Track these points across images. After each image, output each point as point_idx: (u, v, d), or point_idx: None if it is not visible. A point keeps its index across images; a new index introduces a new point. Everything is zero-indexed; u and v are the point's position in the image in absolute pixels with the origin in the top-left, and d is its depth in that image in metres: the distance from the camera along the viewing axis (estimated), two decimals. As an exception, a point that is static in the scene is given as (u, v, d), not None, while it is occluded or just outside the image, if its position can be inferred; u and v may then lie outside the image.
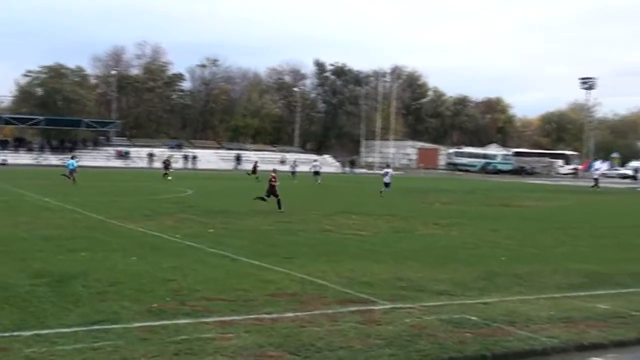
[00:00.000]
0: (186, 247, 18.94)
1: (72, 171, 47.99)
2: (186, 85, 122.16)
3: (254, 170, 62.13)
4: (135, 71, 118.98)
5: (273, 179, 31.68)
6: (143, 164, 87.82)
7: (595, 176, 69.27)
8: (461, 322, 11.42)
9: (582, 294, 14.32)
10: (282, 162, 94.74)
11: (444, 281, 15.06)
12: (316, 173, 60.85)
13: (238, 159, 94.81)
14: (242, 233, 22.37)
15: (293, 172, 65.42)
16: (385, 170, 46.82)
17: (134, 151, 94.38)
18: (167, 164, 62.42)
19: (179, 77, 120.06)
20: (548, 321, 11.79)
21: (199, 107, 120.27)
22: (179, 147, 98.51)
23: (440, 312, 12.08)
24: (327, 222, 26.48)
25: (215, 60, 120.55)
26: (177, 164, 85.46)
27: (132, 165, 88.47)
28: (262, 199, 31.49)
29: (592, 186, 65.15)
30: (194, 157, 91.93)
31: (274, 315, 11.44)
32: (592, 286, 15.23)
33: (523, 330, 11.16)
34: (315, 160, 70.37)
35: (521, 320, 11.71)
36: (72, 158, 52.18)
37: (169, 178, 55.59)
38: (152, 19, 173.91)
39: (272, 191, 31.46)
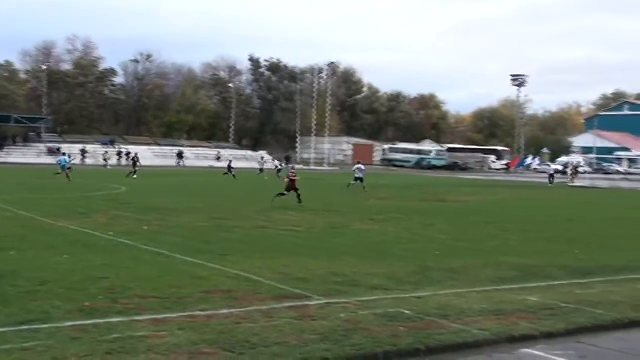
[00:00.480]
0: (119, 244, 18.67)
1: (64, 168, 48.90)
2: (119, 80, 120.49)
3: (229, 169, 62.35)
4: (66, 66, 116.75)
5: (292, 175, 33.57)
6: (75, 160, 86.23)
7: (551, 172, 69.83)
8: (395, 316, 11.52)
9: (513, 286, 14.59)
10: (218, 158, 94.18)
11: (379, 276, 15.17)
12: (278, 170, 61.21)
13: (180, 155, 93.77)
14: (177, 230, 22.16)
15: (261, 170, 65.80)
16: (357, 166, 49.02)
17: (65, 147, 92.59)
18: (135, 161, 61.05)
19: (111, 72, 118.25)
20: (480, 314, 11.98)
21: (133, 102, 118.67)
22: (112, 143, 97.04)
23: (375, 307, 12.16)
24: (263, 219, 26.41)
25: (149, 56, 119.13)
26: (112, 160, 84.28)
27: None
28: (282, 194, 32.86)
29: (550, 182, 65.77)
30: (128, 154, 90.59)
31: (209, 312, 11.37)
32: (522, 279, 15.54)
33: (456, 323, 11.31)
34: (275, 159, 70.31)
35: (454, 314, 11.87)
36: (64, 155, 53.13)
37: (134, 177, 53.86)
38: (83, 13, 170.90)
39: (292, 186, 33.03)
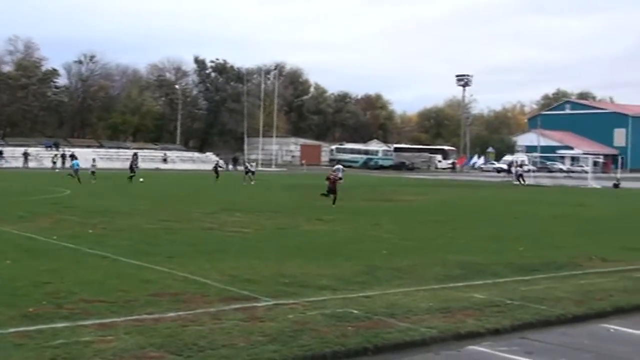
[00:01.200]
0: (64, 248, 18.39)
1: (77, 171, 50.83)
2: (62, 82, 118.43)
3: (216, 171, 62.22)
4: (7, 68, 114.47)
5: (333, 176, 36.02)
6: (18, 163, 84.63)
7: (520, 172, 70.24)
8: (343, 316, 11.57)
9: (460, 284, 14.77)
10: (165, 160, 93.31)
11: (327, 276, 15.21)
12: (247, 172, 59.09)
13: (135, 157, 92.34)
14: (122, 233, 21.91)
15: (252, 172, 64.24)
16: (337, 166, 52.51)
17: (8, 151, 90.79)
18: (132, 162, 59.54)
19: (54, 73, 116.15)
20: (427, 312, 12.10)
21: (77, 104, 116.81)
22: (56, 146, 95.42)
23: (323, 307, 12.19)
24: (210, 220, 26.29)
25: (93, 57, 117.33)
26: (57, 163, 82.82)
27: (6, 165, 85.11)
28: (325, 195, 34.88)
29: (521, 183, 66.19)
30: (72, 156, 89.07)
31: (156, 316, 11.27)
32: (469, 277, 15.73)
33: (403, 321, 11.40)
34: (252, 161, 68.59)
35: (401, 312, 11.97)
36: (75, 158, 56.09)
37: (141, 180, 52.44)
38: (24, 13, 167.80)
39: (333, 188, 34.90)
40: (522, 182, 66.53)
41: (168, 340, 9.87)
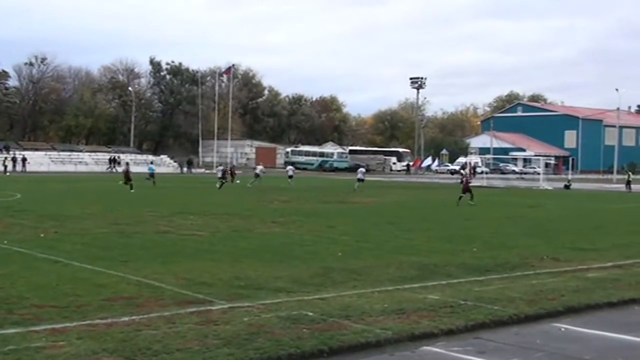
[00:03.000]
0: (15, 253, 18.09)
1: (152, 174, 54.57)
2: (13, 83, 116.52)
3: (232, 174, 61.49)
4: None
5: (465, 176, 42.59)
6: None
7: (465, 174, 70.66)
8: (299, 319, 11.57)
9: (414, 285, 14.86)
10: (119, 163, 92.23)
11: (283, 278, 15.20)
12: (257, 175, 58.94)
13: (113, 161, 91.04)
14: (75, 237, 21.63)
15: (183, 167, 63.27)
16: (360, 169, 57.83)
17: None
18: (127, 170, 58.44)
19: (4, 74, 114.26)
20: (382, 313, 12.15)
21: (28, 107, 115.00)
22: (7, 149, 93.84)
23: (278, 310, 12.18)
24: (164, 224, 26.08)
25: (44, 59, 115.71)
26: (8, 166, 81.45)
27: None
28: (470, 197, 39.42)
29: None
30: (24, 159, 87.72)
31: (109, 320, 11.14)
32: (423, 278, 15.84)
33: (358, 323, 11.44)
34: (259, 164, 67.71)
35: (356, 314, 12.01)
36: (152, 163, 63.37)
37: (153, 182, 52.28)
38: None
39: (466, 187, 40.36)
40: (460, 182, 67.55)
41: (121, 345, 9.77)
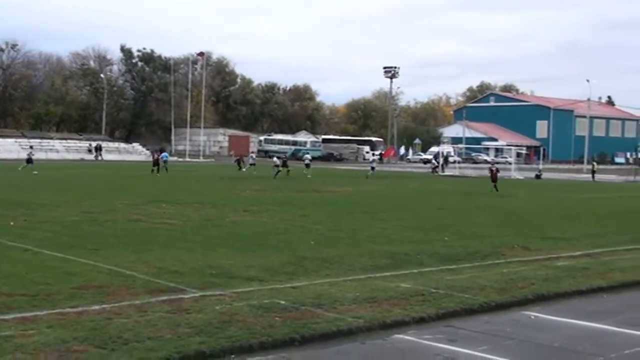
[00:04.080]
0: (-16, 241, 17.90)
1: (165, 162, 57.60)
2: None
3: (240, 161, 62.43)
4: None
5: (493, 169, 46.42)
6: None
7: (435, 164, 71.23)
8: (271, 307, 11.59)
9: (387, 274, 14.94)
10: (90, 151, 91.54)
11: (255, 267, 15.22)
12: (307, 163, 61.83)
13: (98, 149, 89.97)
14: (45, 225, 21.45)
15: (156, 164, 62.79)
16: (372, 157, 64.15)
17: None
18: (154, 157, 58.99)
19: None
20: (354, 302, 12.20)
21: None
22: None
23: (250, 298, 12.19)
24: (136, 212, 25.95)
25: (14, 45, 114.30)
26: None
27: None
28: (494, 188, 42.68)
29: (437, 173, 67.63)
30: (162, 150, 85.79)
31: (80, 309, 11.09)
32: (395, 266, 15.92)
33: (330, 312, 11.48)
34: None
35: (328, 303, 12.05)
36: (163, 151, 65.66)
37: (35, 172, 51.52)
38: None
39: (494, 177, 44.76)
40: (439, 172, 67.83)
41: (92, 334, 9.72)
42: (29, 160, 54.45)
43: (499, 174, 46.67)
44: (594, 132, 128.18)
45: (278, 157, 60.74)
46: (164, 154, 63.41)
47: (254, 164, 62.58)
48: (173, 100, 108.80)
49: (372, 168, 59.70)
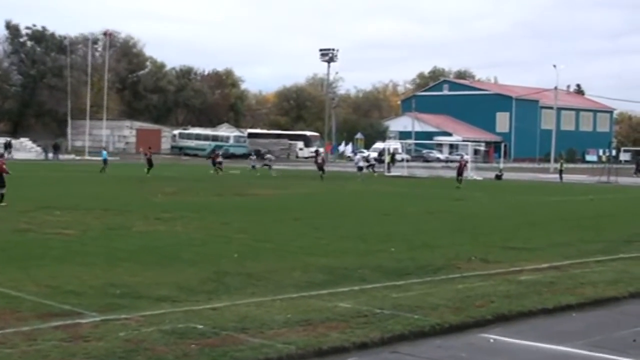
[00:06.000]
0: None
1: (105, 161, 62.13)
2: None
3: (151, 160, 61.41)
4: None
5: (462, 162, 55.04)
6: None
7: (367, 163, 71.45)
8: (186, 332, 11.52)
9: (323, 292, 14.98)
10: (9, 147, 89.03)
11: (167, 285, 15.11)
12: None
13: (8, 146, 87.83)
14: None
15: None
16: (357, 156, 65.09)
17: None
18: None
19: None
20: (284, 325, 12.19)
21: None
22: None
23: (161, 322, 12.10)
24: (24, 220, 25.55)
25: None
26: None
27: None
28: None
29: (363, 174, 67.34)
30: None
31: (-46, 338, 10.85)
32: (333, 283, 15.97)
33: (256, 337, 11.45)
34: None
35: (254, 326, 12.02)
36: (104, 149, 69.64)
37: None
38: None
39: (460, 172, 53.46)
40: (371, 171, 67.92)
41: (-31, 368, 9.52)
42: None
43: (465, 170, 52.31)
44: (562, 125, 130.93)
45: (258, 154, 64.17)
46: (103, 152, 66.53)
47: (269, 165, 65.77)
48: (70, 87, 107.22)
49: (360, 168, 63.34)
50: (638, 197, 48.23)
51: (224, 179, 55.45)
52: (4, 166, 32.00)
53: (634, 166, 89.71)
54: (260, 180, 54.68)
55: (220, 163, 64.51)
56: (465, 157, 68.40)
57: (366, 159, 74.08)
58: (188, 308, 13.20)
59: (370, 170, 68.62)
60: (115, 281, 15.29)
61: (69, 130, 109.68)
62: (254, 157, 71.91)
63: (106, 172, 58.71)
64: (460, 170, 54.91)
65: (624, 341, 12.67)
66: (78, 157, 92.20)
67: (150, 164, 59.27)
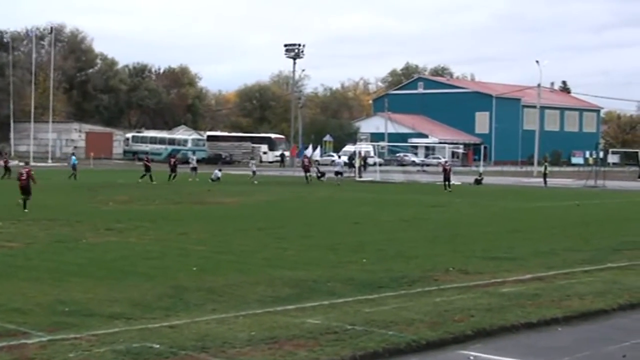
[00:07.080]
0: None
1: (74, 166, 62.63)
2: None
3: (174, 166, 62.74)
4: None
5: (447, 168, 57.88)
6: None
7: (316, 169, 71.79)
8: (141, 353, 11.52)
9: (289, 307, 14.99)
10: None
11: (120, 301, 15.08)
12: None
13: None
14: None
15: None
16: (337, 161, 68.14)
17: None
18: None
19: None
20: (248, 343, 12.21)
21: None
22: None
23: (114, 342, 12.09)
24: (-37, 232, 25.38)
25: None
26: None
27: None
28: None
29: (310, 178, 67.39)
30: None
31: None
32: (300, 297, 15.98)
33: (218, 356, 11.48)
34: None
35: (216, 345, 12.03)
36: (74, 155, 69.48)
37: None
38: None
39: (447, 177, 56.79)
40: (316, 177, 67.88)
41: None
42: None
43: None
44: (546, 125, 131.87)
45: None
46: (72, 158, 66.91)
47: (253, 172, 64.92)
48: (12, 87, 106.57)
49: (339, 173, 65.02)
50: (627, 202, 48.58)
51: (181, 186, 55.29)
52: (32, 173, 34.86)
53: (637, 169, 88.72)
54: (221, 187, 54.57)
55: (195, 168, 66.45)
56: (443, 160, 69.54)
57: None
58: (144, 326, 13.18)
59: (317, 176, 68.76)
60: (64, 298, 15.24)
61: (11, 134, 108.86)
62: (253, 162, 71.98)
63: (77, 179, 59.68)
64: (447, 175, 57.54)
65: (613, 357, 12.80)
66: (22, 163, 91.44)
67: (147, 169, 60.80)
